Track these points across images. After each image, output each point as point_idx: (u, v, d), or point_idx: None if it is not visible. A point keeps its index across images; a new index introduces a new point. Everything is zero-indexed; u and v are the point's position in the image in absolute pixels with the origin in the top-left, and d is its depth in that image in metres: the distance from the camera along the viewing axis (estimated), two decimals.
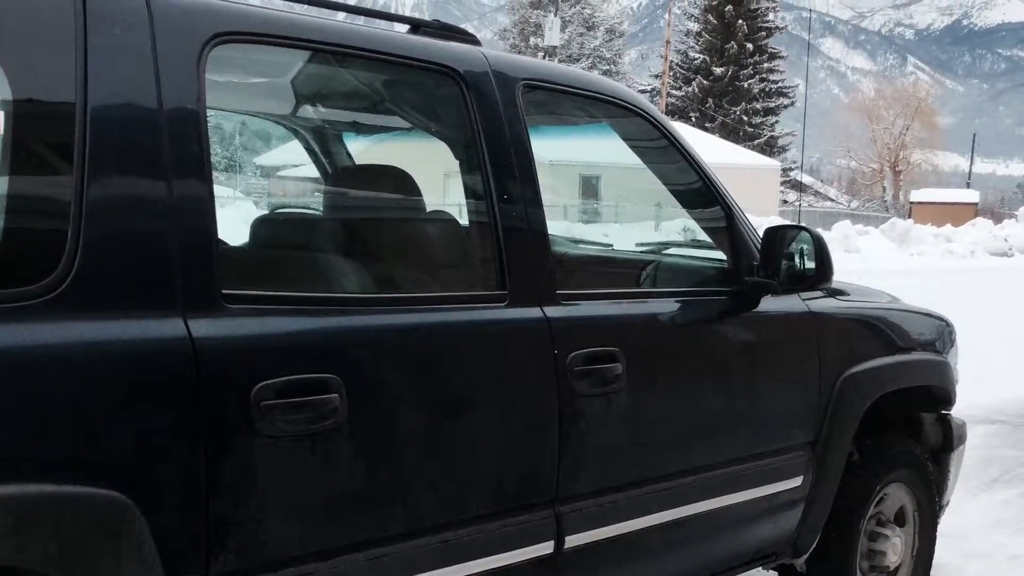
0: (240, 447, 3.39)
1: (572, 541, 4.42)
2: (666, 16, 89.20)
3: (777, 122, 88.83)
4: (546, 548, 4.34)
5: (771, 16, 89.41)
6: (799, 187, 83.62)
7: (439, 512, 3.99)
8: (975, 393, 11.26)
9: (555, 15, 69.87)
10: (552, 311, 4.37)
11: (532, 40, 78.56)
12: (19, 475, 2.93)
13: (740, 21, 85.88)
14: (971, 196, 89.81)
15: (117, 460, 3.13)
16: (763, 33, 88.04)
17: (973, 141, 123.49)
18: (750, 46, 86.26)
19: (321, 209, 5.59)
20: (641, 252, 6.77)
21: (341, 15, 4.74)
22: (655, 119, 5.25)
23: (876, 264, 34.85)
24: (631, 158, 5.73)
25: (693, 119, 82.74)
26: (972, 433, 7.68)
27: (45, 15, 3.22)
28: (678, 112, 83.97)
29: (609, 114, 5.45)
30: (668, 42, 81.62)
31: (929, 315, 6.73)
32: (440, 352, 4.04)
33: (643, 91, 79.28)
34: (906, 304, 6.71)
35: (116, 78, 3.30)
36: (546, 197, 4.54)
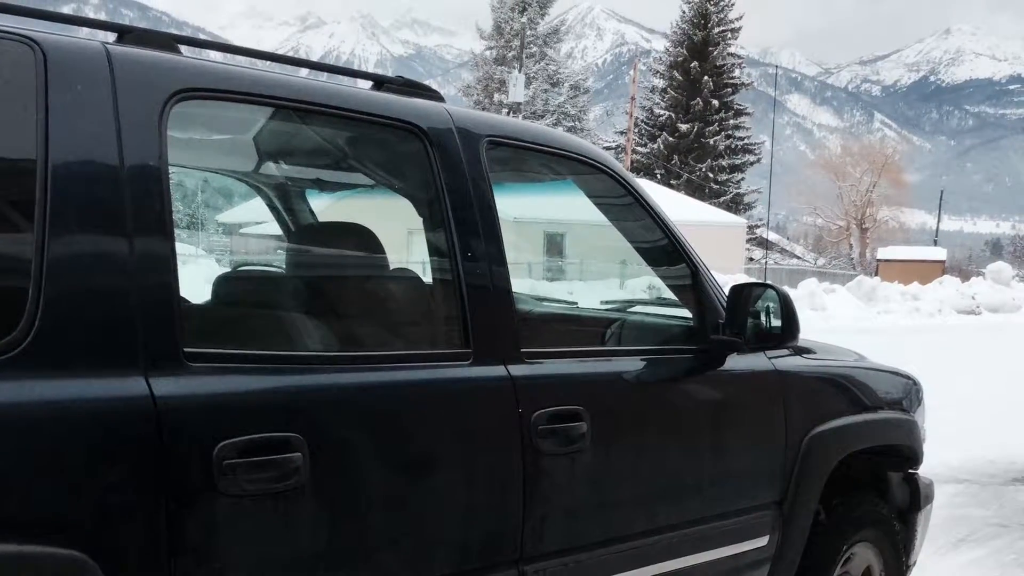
0: (202, 506, 3.36)
1: None
2: (631, 72, 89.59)
3: (743, 179, 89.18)
4: None
5: (736, 72, 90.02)
6: (765, 244, 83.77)
7: (404, 572, 3.96)
8: (943, 452, 11.27)
9: (519, 71, 70.03)
10: (516, 369, 4.36)
11: (496, 96, 78.60)
12: None
13: (706, 77, 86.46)
14: (938, 254, 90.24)
15: (79, 520, 3.09)
16: (728, 89, 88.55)
17: (940, 198, 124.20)
18: (715, 103, 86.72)
19: (284, 266, 5.57)
20: (606, 310, 6.76)
21: (304, 71, 4.73)
22: (620, 176, 5.26)
23: (843, 322, 34.98)
24: (596, 215, 5.72)
25: (658, 176, 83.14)
26: (939, 492, 7.65)
27: (5, 71, 3.21)
28: (643, 169, 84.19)
29: (574, 171, 5.45)
30: (633, 98, 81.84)
31: (896, 373, 6.73)
32: (404, 410, 4.01)
33: (608, 147, 79.64)
34: (873, 362, 6.71)
35: (77, 135, 3.28)
36: (510, 254, 4.53)
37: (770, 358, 5.65)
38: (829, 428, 5.87)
